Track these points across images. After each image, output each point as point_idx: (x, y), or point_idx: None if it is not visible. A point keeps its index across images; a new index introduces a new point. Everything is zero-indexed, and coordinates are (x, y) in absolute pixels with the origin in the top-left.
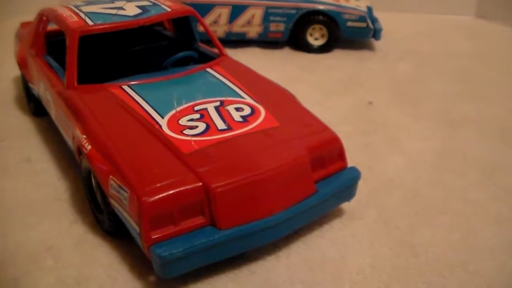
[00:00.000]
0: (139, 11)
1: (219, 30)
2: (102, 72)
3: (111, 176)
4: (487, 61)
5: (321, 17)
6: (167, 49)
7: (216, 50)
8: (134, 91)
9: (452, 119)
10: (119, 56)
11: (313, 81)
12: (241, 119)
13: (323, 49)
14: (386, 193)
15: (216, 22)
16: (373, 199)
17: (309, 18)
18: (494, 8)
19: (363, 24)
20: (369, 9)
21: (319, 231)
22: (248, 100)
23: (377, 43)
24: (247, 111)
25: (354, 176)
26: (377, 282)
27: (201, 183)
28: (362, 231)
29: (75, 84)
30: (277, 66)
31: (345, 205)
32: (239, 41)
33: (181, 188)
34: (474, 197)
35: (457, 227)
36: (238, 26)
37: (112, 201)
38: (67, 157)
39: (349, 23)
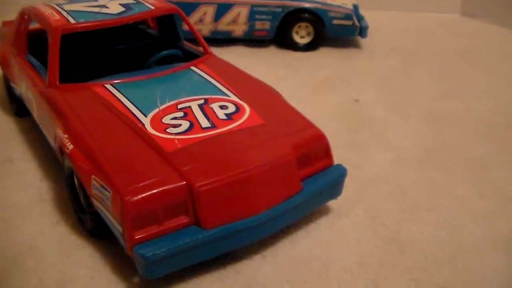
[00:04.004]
0: (122, 9)
1: (204, 29)
2: (85, 71)
3: (93, 176)
4: (473, 59)
5: (307, 15)
6: (151, 47)
7: (201, 49)
8: (117, 90)
9: (439, 116)
10: (103, 54)
11: (299, 79)
12: (225, 117)
13: (309, 47)
14: (373, 191)
15: (202, 20)
16: (359, 197)
17: (295, 16)
18: (479, 7)
19: (349, 22)
20: (355, 7)
21: (306, 229)
22: (233, 98)
23: (363, 41)
24: (231, 109)
25: (340, 173)
26: (364, 280)
27: (184, 182)
28: (349, 229)
29: (57, 83)
30: (263, 65)
31: (331, 203)
32: (225, 39)
33: (165, 187)
34: (461, 193)
35: (444, 224)
36: (223, 25)
37: (95, 201)
38: (49, 158)
39: (335, 21)
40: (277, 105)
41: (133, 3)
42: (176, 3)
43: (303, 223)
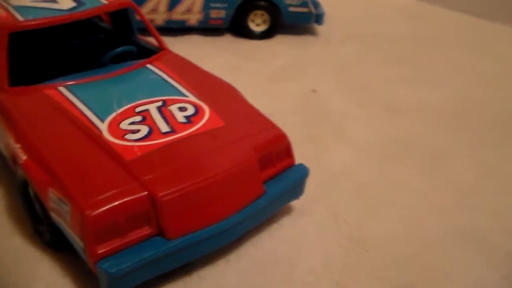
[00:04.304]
0: (73, 4)
1: (158, 18)
2: (35, 71)
3: (50, 188)
4: (429, 45)
5: (263, 3)
6: (104, 42)
7: (156, 43)
8: (71, 92)
9: (397, 106)
10: (53, 52)
11: (255, 68)
12: (185, 120)
13: (265, 35)
14: (334, 187)
15: (155, 9)
16: (321, 194)
17: (251, 4)
18: None
19: (306, 9)
20: None
21: (268, 231)
22: (191, 98)
23: (319, 28)
24: (190, 110)
25: (302, 174)
26: (329, 281)
27: (146, 192)
28: (312, 228)
29: (6, 87)
30: (218, 54)
31: (293, 201)
32: (180, 29)
33: (126, 199)
34: (418, 187)
35: (403, 220)
36: (178, 14)
37: (53, 214)
38: None
39: (291, 8)
40: (236, 104)
41: None
42: None
43: (266, 224)
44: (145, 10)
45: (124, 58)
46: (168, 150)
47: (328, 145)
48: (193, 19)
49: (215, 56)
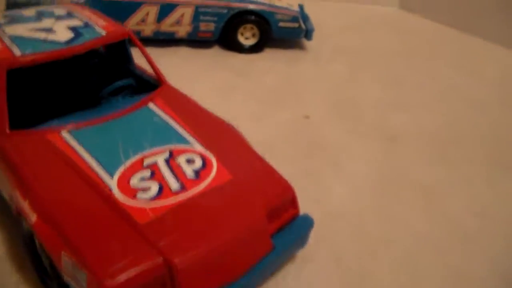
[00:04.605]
0: (71, 35)
1: (147, 29)
2: (30, 107)
3: (63, 252)
4: (414, 61)
5: (253, 17)
6: (99, 68)
7: (153, 72)
8: (75, 139)
9: (390, 133)
10: (47, 82)
11: (248, 89)
12: (193, 176)
13: (254, 49)
14: (335, 229)
15: (144, 21)
16: (322, 237)
17: (240, 18)
18: (415, 0)
19: (296, 25)
20: (301, 8)
21: (274, 281)
22: (197, 147)
23: (307, 41)
24: (198, 163)
25: (308, 225)
26: None
27: (162, 258)
28: (316, 276)
29: (7, 130)
30: (209, 71)
31: None
32: (168, 40)
33: (143, 267)
34: (417, 227)
35: (404, 263)
36: (166, 26)
37: (67, 278)
38: None
39: (281, 23)
40: (240, 150)
41: (81, 26)
42: (118, 3)
43: (271, 275)
44: (133, 21)
45: (122, 89)
46: (180, 211)
47: (326, 181)
48: (182, 31)
49: (206, 73)
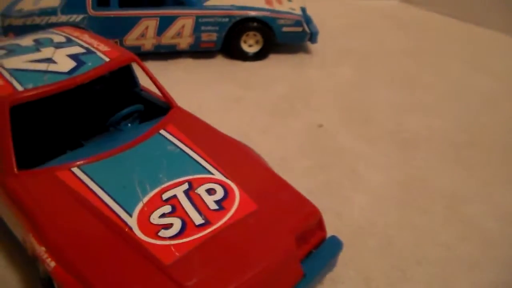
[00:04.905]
0: (73, 64)
1: (147, 44)
2: (35, 142)
3: None
4: (422, 58)
5: (255, 24)
6: (105, 93)
7: (159, 94)
8: (87, 175)
9: (405, 138)
10: (50, 114)
11: (255, 99)
12: (216, 207)
13: (258, 56)
14: (360, 245)
15: (144, 35)
16: (349, 255)
17: (243, 25)
18: None
19: (299, 29)
20: (303, 10)
21: None
22: (217, 176)
23: (311, 44)
24: (219, 193)
25: (337, 248)
26: None
27: None
28: None
29: (15, 171)
30: (214, 82)
31: None
32: (170, 52)
33: None
34: (443, 239)
35: (435, 280)
36: (167, 38)
37: None
38: (8, 237)
39: (285, 28)
40: (261, 175)
41: (83, 53)
42: (115, 18)
43: None
44: (133, 36)
45: (131, 114)
46: (206, 248)
47: (345, 193)
48: (184, 43)
49: (210, 87)
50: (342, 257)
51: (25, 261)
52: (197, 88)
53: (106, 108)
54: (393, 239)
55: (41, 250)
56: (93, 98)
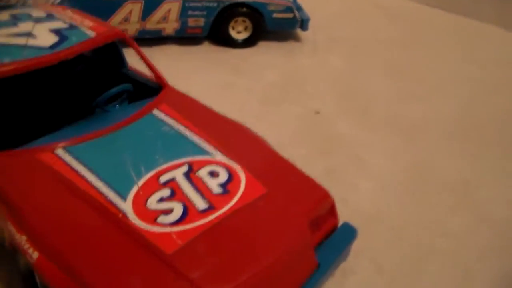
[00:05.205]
0: (55, 39)
1: (131, 29)
2: (13, 122)
3: None
4: (412, 47)
5: (244, 9)
6: (88, 73)
7: (149, 75)
8: (73, 157)
9: (406, 125)
10: (29, 93)
11: (246, 86)
12: (221, 190)
13: (247, 42)
14: (371, 234)
15: (127, 19)
16: (360, 244)
17: (231, 11)
18: None
19: (290, 15)
20: None
21: None
22: (219, 157)
23: (301, 32)
24: (223, 176)
25: (350, 235)
26: None
27: None
28: None
29: None
30: (202, 69)
31: None
32: (154, 38)
33: None
34: (455, 227)
35: (451, 270)
36: (152, 23)
37: None
38: None
39: (275, 15)
40: (267, 157)
41: (66, 28)
42: (98, 1)
43: None
44: (115, 20)
45: (118, 95)
46: (212, 235)
47: (350, 180)
48: (169, 28)
49: (198, 74)
50: (354, 247)
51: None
52: (184, 75)
53: (92, 89)
54: (404, 227)
55: (21, 239)
56: (77, 79)
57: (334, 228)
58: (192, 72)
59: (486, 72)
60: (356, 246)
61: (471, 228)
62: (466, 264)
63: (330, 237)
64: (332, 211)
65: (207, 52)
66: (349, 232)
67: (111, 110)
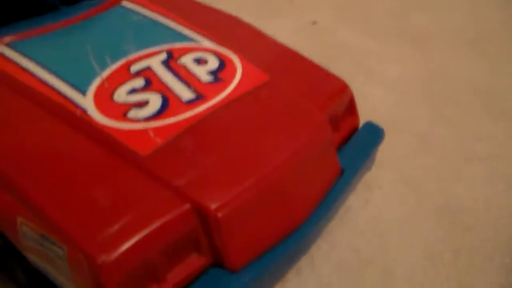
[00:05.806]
0: None
1: None
2: None
3: (20, 219)
4: None
5: None
6: None
7: None
8: (19, 53)
9: (415, 35)
10: None
11: (228, 2)
12: (211, 78)
13: None
14: (392, 142)
15: None
16: (380, 154)
17: None
18: None
19: None
20: None
21: (338, 218)
22: (206, 43)
23: None
24: (213, 62)
25: (377, 136)
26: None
27: (189, 205)
28: (389, 207)
29: None
30: None
31: None
32: None
33: (160, 222)
34: (489, 134)
35: (493, 175)
36: None
37: (31, 256)
38: None
39: None
40: (269, 46)
41: None
42: None
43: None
44: None
45: None
46: (202, 131)
47: (360, 86)
48: None
49: None
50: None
51: None
52: None
53: None
54: (428, 135)
55: None
56: None
57: (354, 130)
58: None
59: None
60: (377, 156)
61: (504, 131)
62: (507, 170)
63: (352, 138)
64: (351, 108)
65: None
66: (375, 132)
67: (68, 8)
